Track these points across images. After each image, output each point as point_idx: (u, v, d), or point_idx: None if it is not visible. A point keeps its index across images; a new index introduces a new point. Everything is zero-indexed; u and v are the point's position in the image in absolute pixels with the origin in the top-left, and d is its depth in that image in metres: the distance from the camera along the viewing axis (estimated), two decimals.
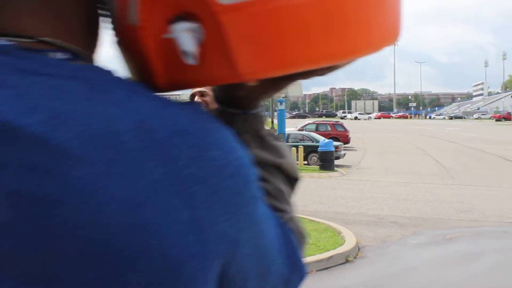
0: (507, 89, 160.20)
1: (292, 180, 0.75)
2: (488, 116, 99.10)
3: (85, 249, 0.50)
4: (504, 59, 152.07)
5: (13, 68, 0.53)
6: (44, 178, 0.50)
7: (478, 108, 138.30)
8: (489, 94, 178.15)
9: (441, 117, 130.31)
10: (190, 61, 0.58)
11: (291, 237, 0.70)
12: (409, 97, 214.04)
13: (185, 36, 0.58)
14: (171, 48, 0.59)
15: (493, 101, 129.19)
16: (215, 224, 0.55)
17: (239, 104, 0.70)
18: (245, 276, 0.63)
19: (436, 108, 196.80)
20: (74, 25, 0.61)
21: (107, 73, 0.58)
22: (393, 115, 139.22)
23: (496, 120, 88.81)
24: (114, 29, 0.65)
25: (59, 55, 0.58)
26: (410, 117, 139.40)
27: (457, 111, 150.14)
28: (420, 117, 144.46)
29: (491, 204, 11.47)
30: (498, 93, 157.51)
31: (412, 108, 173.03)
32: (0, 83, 0.52)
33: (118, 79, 0.58)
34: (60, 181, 0.50)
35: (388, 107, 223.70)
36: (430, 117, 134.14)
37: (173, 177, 0.53)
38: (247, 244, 0.61)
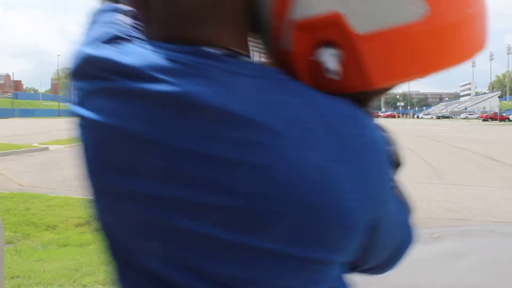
0: (494, 89, 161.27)
1: (397, 165, 0.91)
2: (475, 116, 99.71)
3: (288, 203, 0.71)
4: (491, 59, 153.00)
5: (222, 70, 0.75)
6: (257, 150, 0.71)
7: (466, 108, 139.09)
8: (476, 94, 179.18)
9: (429, 116, 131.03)
10: (333, 76, 0.79)
11: (403, 207, 0.91)
12: (397, 96, 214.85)
13: (329, 58, 0.79)
14: (317, 67, 0.80)
15: (480, 101, 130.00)
16: (371, 186, 0.76)
17: (358, 104, 0.84)
18: (384, 232, 0.83)
19: (424, 107, 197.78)
20: (245, 39, 0.84)
21: (277, 71, 0.79)
22: (381, 114, 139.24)
23: (483, 120, 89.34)
24: (266, 50, 0.88)
25: (244, 60, 0.81)
26: (398, 117, 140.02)
27: (445, 110, 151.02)
28: (408, 116, 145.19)
29: (478, 203, 11.53)
30: (485, 93, 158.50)
31: (400, 108, 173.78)
32: (217, 80, 0.73)
33: (287, 76, 0.79)
34: (270, 151, 0.71)
35: (376, 106, 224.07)
36: (418, 117, 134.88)
37: (344, 149, 0.74)
38: (388, 205, 0.82)
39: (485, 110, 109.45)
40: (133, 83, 0.75)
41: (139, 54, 0.77)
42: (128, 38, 0.81)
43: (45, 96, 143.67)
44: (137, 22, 0.85)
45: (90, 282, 5.64)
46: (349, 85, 0.79)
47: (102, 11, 0.92)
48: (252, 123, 0.71)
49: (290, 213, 0.71)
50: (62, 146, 27.54)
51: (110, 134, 0.77)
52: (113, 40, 0.81)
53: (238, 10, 0.80)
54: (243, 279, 0.74)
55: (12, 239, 8.94)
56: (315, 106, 0.75)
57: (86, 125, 0.82)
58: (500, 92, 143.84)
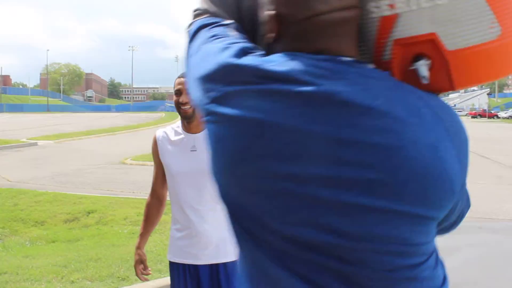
0: (483, 86, 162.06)
1: None
2: (464, 113, 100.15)
3: (414, 174, 0.95)
4: None
5: (357, 74, 1.00)
6: (391, 134, 0.95)
7: (455, 105, 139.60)
8: (465, 91, 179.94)
9: None
10: (424, 81, 1.06)
11: None
12: None
13: (422, 67, 1.05)
14: (412, 73, 1.07)
15: (469, 98, 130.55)
16: (464, 159, 1.04)
17: None
18: (462, 196, 1.13)
19: None
20: (358, 50, 1.11)
21: (390, 74, 1.08)
22: None
23: (472, 117, 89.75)
24: (367, 59, 1.14)
25: (367, 65, 1.08)
26: None
27: None
28: None
29: None
30: (474, 90, 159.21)
31: None
32: (354, 82, 0.98)
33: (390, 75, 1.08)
34: (401, 135, 0.95)
35: None
36: None
37: (447, 131, 1.01)
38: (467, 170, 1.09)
39: (474, 107, 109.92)
40: (282, 85, 0.98)
41: (281, 62, 1.02)
42: (255, 49, 1.09)
43: (34, 91, 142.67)
44: (242, 35, 1.16)
45: (78, 278, 5.61)
46: (435, 87, 1.08)
47: (216, 26, 1.18)
48: (386, 114, 0.96)
49: (415, 181, 0.96)
50: (51, 142, 27.39)
51: (266, 128, 0.98)
52: (249, 51, 1.07)
53: (356, 29, 1.09)
54: (378, 235, 0.98)
55: (0, 235, 8.88)
56: (424, 99, 1.02)
57: (232, 121, 1.01)
58: (489, 89, 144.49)
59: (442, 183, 0.99)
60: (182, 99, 2.88)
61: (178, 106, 2.91)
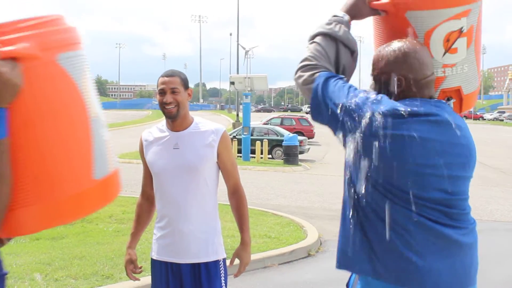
0: None
1: None
2: None
3: (473, 157, 2.09)
4: None
5: (445, 106, 2.10)
6: (465, 138, 2.04)
7: None
8: None
9: None
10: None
11: None
12: None
13: (451, 103, 2.19)
14: None
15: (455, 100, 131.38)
16: (474, 147, 2.12)
17: None
18: None
19: None
20: None
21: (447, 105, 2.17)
22: None
23: None
24: None
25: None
26: None
27: None
28: None
29: None
30: None
31: None
32: (447, 111, 2.06)
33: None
34: (468, 137, 2.07)
35: None
36: None
37: (466, 134, 2.08)
38: None
39: None
40: (428, 117, 1.96)
41: (417, 106, 1.96)
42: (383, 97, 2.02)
43: None
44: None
45: (62, 276, 5.58)
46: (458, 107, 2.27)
47: (339, 78, 2.10)
48: (460, 127, 2.03)
49: (475, 160, 2.07)
50: None
51: (426, 142, 1.94)
52: (394, 99, 2.02)
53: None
54: (464, 191, 2.05)
55: None
56: (458, 118, 2.09)
57: (409, 138, 1.93)
58: None
59: (475, 158, 2.09)
60: (166, 99, 2.86)
61: (163, 105, 2.89)
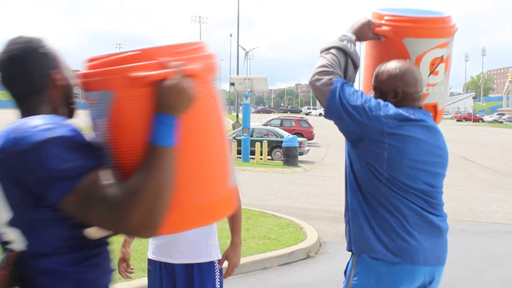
0: (469, 90, 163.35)
1: None
2: (449, 116, 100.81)
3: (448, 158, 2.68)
4: (466, 60, 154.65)
5: (429, 115, 2.68)
6: (443, 140, 2.67)
7: None
8: (451, 94, 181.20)
9: None
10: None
11: None
12: None
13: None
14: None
15: (455, 102, 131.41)
16: None
17: None
18: None
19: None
20: None
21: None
22: None
23: (457, 120, 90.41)
24: None
25: None
26: None
27: None
28: None
29: (450, 202, 11.67)
30: (459, 94, 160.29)
31: None
32: (431, 119, 2.68)
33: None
34: (444, 140, 2.66)
35: None
36: None
37: None
38: None
39: (460, 110, 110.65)
40: (421, 122, 2.47)
41: (412, 113, 2.48)
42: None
43: None
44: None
45: None
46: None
47: (352, 85, 2.56)
48: (441, 133, 2.62)
49: (448, 162, 2.67)
50: None
51: (419, 142, 2.45)
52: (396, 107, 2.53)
53: None
54: (441, 185, 2.59)
55: None
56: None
57: (408, 138, 2.43)
58: (474, 93, 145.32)
59: None
60: None
61: None
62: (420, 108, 2.55)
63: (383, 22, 2.65)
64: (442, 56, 2.66)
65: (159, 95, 1.56)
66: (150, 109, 1.57)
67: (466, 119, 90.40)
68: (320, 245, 7.89)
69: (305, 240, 7.79)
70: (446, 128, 59.11)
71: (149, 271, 3.10)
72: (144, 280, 5.43)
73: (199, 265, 2.96)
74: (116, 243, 5.26)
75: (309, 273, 6.66)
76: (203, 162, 1.67)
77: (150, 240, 3.09)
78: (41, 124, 1.55)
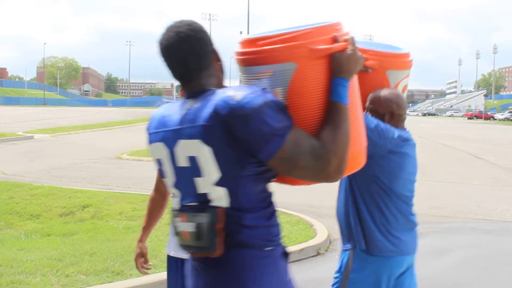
0: (480, 88, 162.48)
1: None
2: (460, 113, 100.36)
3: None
4: (478, 58, 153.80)
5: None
6: None
7: (451, 106, 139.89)
8: (462, 92, 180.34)
9: (415, 113, 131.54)
10: None
11: None
12: None
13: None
14: None
15: (466, 99, 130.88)
16: None
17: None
18: None
19: (410, 104, 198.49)
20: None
21: None
22: None
23: (468, 118, 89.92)
24: None
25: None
26: None
27: (431, 108, 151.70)
28: None
29: (461, 200, 11.64)
30: (471, 91, 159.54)
31: None
32: None
33: None
34: None
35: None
36: None
37: None
38: None
39: (471, 108, 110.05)
40: (411, 141, 3.03)
41: (406, 134, 2.98)
42: None
43: (31, 85, 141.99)
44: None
45: (73, 272, 5.62)
46: None
47: None
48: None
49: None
50: (47, 135, 27.35)
51: (411, 158, 3.00)
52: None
53: None
54: (413, 191, 3.06)
55: None
56: None
57: (406, 155, 2.94)
58: (485, 90, 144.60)
59: None
60: None
61: None
62: (405, 128, 3.05)
63: (367, 56, 2.90)
64: (406, 84, 3.20)
65: (338, 63, 1.90)
66: (325, 75, 1.90)
67: (477, 117, 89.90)
68: (330, 242, 7.89)
69: (315, 237, 7.79)
70: (457, 126, 58.91)
71: (169, 267, 3.09)
72: (155, 277, 5.48)
73: None
74: (129, 239, 5.27)
75: (319, 270, 6.66)
76: (358, 118, 2.04)
77: (170, 236, 3.10)
78: (252, 91, 1.84)
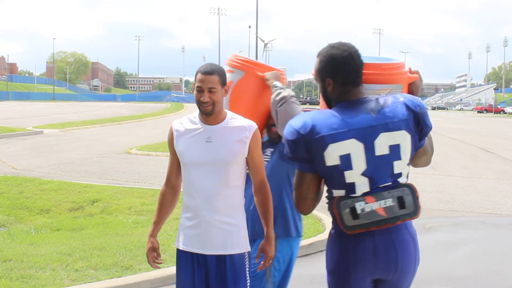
0: (490, 81, 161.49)
1: None
2: (470, 107, 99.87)
3: None
4: (488, 51, 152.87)
5: None
6: None
7: (461, 100, 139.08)
8: (472, 86, 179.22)
9: None
10: None
11: None
12: None
13: None
14: None
15: (476, 93, 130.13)
16: None
17: None
18: None
19: (420, 98, 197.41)
20: None
21: None
22: None
23: (478, 112, 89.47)
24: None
25: None
26: None
27: (440, 102, 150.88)
28: None
29: (471, 194, 11.59)
30: (480, 85, 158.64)
31: None
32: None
33: None
34: None
35: None
36: None
37: None
38: None
39: (480, 102, 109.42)
40: None
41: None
42: None
43: (40, 80, 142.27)
44: None
45: (82, 267, 5.65)
46: None
47: None
48: None
49: None
50: (57, 130, 27.45)
51: None
52: None
53: None
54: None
55: (5, 223, 8.92)
56: None
57: None
58: (495, 84, 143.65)
59: None
60: (204, 98, 2.91)
61: (199, 103, 2.94)
62: None
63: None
64: None
65: (417, 88, 2.86)
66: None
67: (487, 111, 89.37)
68: None
69: (324, 232, 7.78)
70: (467, 119, 58.60)
71: (178, 261, 3.09)
72: (163, 271, 5.49)
73: (231, 256, 2.97)
74: (138, 234, 5.30)
75: None
76: None
77: (180, 229, 3.10)
78: (411, 96, 2.58)
